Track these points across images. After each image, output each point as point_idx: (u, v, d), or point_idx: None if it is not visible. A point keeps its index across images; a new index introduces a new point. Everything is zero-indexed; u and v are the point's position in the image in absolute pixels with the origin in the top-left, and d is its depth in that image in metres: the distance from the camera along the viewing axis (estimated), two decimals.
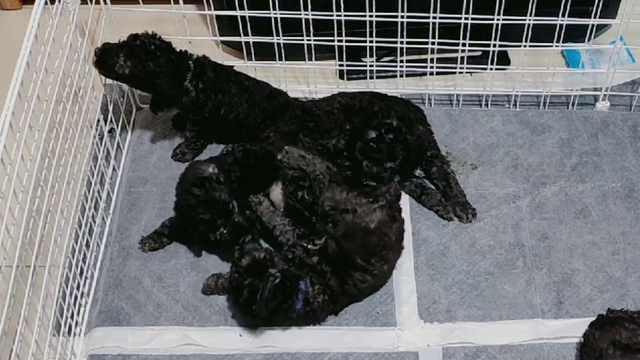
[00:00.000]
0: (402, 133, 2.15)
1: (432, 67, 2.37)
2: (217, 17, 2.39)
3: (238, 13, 2.26)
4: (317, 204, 2.04)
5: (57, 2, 1.92)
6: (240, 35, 2.33)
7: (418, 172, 2.27)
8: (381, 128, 2.14)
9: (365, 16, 2.22)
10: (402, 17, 2.20)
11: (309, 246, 1.98)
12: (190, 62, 2.22)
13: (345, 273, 1.95)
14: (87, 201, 2.09)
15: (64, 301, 1.90)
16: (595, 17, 2.22)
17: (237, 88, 2.28)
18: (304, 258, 1.96)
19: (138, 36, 2.15)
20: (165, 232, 2.15)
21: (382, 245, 1.96)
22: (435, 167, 2.26)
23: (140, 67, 2.13)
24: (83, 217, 2.06)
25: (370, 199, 2.00)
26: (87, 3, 2.13)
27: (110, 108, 2.28)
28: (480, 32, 2.28)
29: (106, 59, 2.13)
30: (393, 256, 2.02)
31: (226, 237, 2.02)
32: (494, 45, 2.28)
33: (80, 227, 2.04)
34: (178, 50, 2.23)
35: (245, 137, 2.32)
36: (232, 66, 2.34)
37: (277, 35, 2.29)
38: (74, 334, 1.96)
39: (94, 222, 2.14)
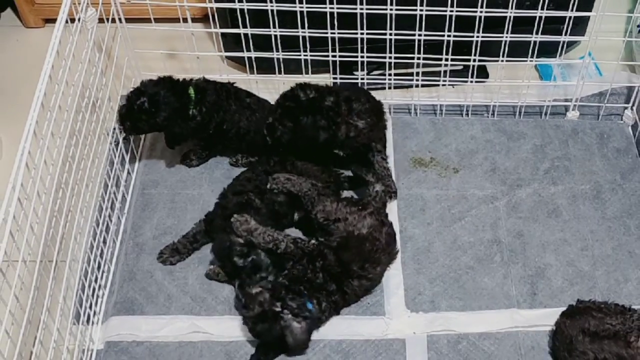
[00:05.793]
0: (301, 108, 2.10)
1: (417, 80, 2.38)
2: (222, 34, 2.41)
3: (241, 31, 2.27)
4: (312, 217, 2.02)
5: (76, 21, 1.93)
6: (243, 51, 2.34)
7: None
8: (298, 94, 2.12)
9: (357, 34, 2.24)
10: (391, 34, 2.21)
11: (306, 245, 1.96)
12: (191, 92, 2.18)
13: (345, 283, 1.93)
14: (104, 202, 2.10)
15: (83, 293, 1.91)
16: (566, 35, 2.24)
17: (237, 105, 2.25)
18: (311, 278, 1.90)
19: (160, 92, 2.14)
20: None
21: (375, 250, 1.95)
22: (376, 159, 2.22)
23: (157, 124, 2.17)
24: (100, 216, 2.07)
25: (359, 207, 1.99)
26: (104, 22, 2.14)
27: None
28: (462, 48, 2.29)
29: (137, 117, 2.15)
30: (385, 258, 2.00)
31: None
32: (474, 60, 2.29)
33: (97, 225, 2.05)
34: (179, 81, 2.19)
35: (246, 149, 2.31)
36: (233, 82, 2.31)
37: (277, 51, 2.31)
38: (92, 323, 1.97)
39: (110, 220, 2.15)
